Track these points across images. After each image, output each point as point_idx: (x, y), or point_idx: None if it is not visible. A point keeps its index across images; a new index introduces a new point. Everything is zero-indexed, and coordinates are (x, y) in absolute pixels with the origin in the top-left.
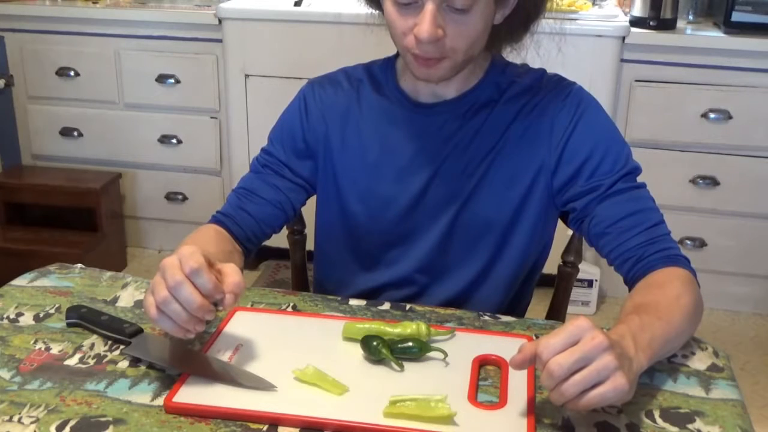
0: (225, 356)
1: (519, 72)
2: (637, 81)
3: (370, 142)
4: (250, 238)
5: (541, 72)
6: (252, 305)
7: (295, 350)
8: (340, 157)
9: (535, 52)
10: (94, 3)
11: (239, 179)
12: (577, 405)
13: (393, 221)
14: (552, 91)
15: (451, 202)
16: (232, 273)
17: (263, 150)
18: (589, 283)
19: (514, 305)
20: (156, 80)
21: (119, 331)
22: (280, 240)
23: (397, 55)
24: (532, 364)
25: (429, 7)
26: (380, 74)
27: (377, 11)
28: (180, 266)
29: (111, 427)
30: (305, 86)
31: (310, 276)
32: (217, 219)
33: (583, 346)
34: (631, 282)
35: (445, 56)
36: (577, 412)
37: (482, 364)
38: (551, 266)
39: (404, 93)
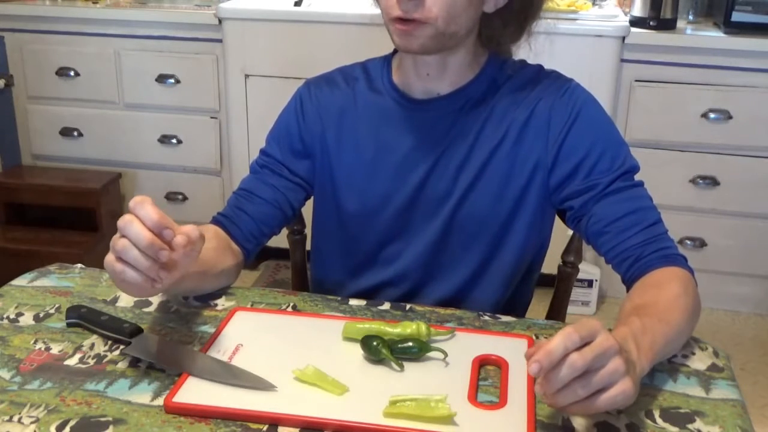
0: (225, 356)
1: (516, 68)
2: (637, 81)
3: (366, 139)
4: (249, 239)
5: (538, 68)
6: (252, 305)
7: (295, 350)
8: (336, 155)
9: (529, 48)
10: (94, 3)
11: (240, 181)
12: (589, 409)
13: (389, 218)
14: (549, 87)
15: (448, 199)
16: (188, 226)
17: (261, 151)
18: (589, 283)
19: (514, 304)
20: (156, 80)
21: (119, 331)
22: (280, 240)
23: (393, 53)
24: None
25: None
26: (376, 71)
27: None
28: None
29: (111, 427)
30: (302, 86)
31: (310, 276)
32: (217, 220)
33: (600, 346)
34: (629, 281)
35: (425, 21)
36: (577, 416)
37: (482, 364)
38: (551, 266)
39: (398, 89)
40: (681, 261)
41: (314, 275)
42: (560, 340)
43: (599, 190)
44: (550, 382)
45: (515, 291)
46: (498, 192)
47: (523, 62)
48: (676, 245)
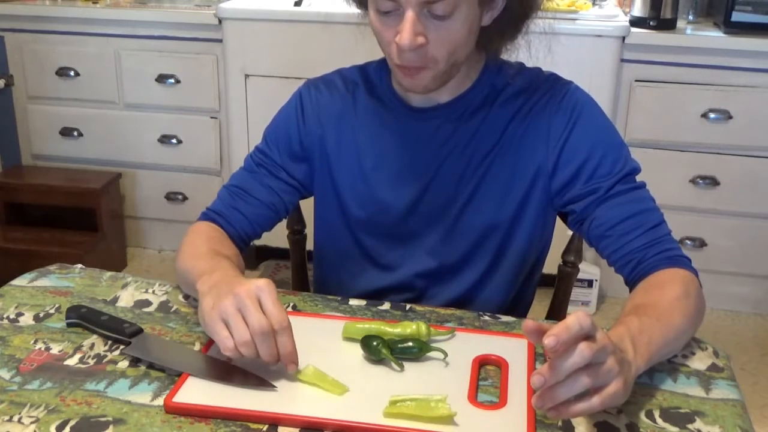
0: (225, 356)
1: (514, 72)
2: (637, 81)
3: (366, 146)
4: (243, 238)
5: (537, 71)
6: None
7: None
8: (336, 160)
9: (527, 53)
10: (94, 3)
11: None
12: (584, 409)
13: (390, 225)
14: (548, 91)
15: (450, 206)
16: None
17: (258, 149)
18: (589, 283)
19: (516, 305)
20: (156, 80)
21: (119, 331)
22: (280, 240)
23: None
24: (540, 334)
25: (409, 15)
26: (375, 76)
27: (364, 12)
28: (261, 309)
29: (111, 427)
30: (302, 87)
31: (310, 276)
32: (210, 217)
33: (600, 341)
34: (632, 283)
35: (426, 66)
36: (558, 418)
37: (482, 364)
38: (551, 266)
39: (398, 96)
40: (685, 262)
41: (317, 276)
42: (575, 318)
43: (601, 193)
44: (557, 370)
45: (517, 293)
46: (500, 199)
47: (520, 65)
48: (680, 247)
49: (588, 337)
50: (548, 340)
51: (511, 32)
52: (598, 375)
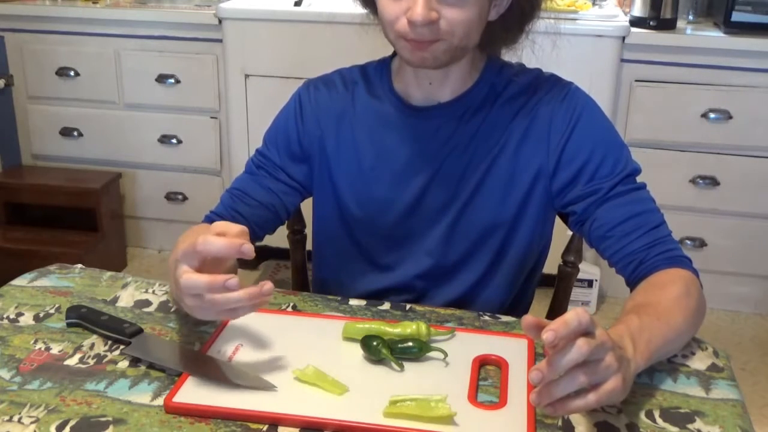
0: (225, 356)
1: (515, 72)
2: (637, 81)
3: (365, 145)
4: None
5: (537, 72)
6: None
7: (295, 350)
8: (335, 160)
9: (531, 51)
10: (94, 3)
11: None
12: (579, 405)
13: (390, 225)
14: (549, 92)
15: (450, 206)
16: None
17: (258, 151)
18: (589, 283)
19: (516, 305)
20: (156, 80)
21: (119, 331)
22: (280, 240)
23: (392, 57)
24: (539, 329)
25: None
26: (375, 76)
27: (369, 10)
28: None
29: (111, 427)
30: (301, 87)
31: (310, 276)
32: (210, 219)
33: (599, 338)
34: (633, 284)
35: (440, 38)
36: (556, 415)
37: (482, 364)
38: (551, 266)
39: (398, 96)
40: (686, 263)
41: (316, 276)
42: (574, 314)
43: (601, 194)
44: (555, 366)
45: (517, 293)
46: (500, 199)
47: (521, 66)
48: (681, 247)
49: (587, 333)
50: (547, 335)
51: (514, 32)
52: (597, 372)
